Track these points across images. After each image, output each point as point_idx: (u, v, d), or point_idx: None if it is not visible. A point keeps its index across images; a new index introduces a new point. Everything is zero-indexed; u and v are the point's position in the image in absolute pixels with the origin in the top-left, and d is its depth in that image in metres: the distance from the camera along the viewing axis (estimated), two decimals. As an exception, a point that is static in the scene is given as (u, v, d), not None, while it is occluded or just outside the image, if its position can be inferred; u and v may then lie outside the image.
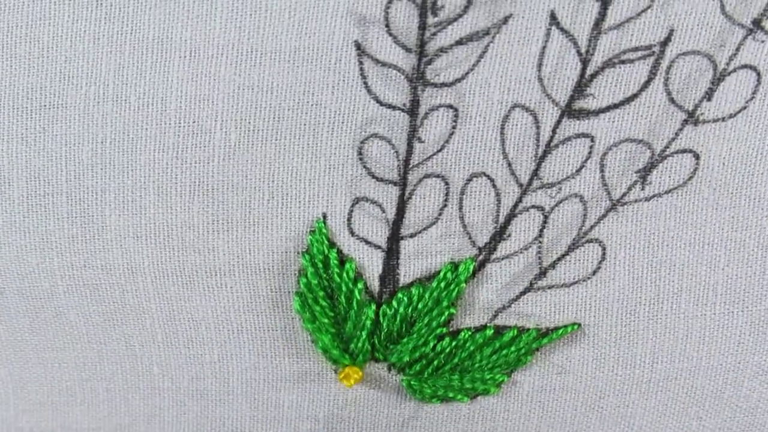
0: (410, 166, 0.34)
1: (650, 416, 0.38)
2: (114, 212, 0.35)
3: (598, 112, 0.33)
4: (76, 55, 0.33)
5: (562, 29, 0.32)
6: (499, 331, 0.37)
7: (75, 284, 0.36)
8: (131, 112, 0.33)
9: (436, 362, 0.37)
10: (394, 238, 0.35)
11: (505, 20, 0.32)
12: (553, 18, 0.32)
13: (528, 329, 0.36)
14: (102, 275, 0.36)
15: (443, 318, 0.36)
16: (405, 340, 0.36)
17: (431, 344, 0.37)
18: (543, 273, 0.36)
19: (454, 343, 0.37)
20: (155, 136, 0.34)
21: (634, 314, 0.36)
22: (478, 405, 0.39)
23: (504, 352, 0.37)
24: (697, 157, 0.34)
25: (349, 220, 0.35)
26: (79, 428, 0.40)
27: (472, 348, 0.37)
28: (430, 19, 0.32)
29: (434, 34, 0.32)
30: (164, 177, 0.34)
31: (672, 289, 0.36)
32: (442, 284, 0.36)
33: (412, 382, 0.37)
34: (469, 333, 0.37)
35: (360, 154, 0.34)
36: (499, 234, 0.35)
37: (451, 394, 0.38)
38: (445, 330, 0.37)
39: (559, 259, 0.35)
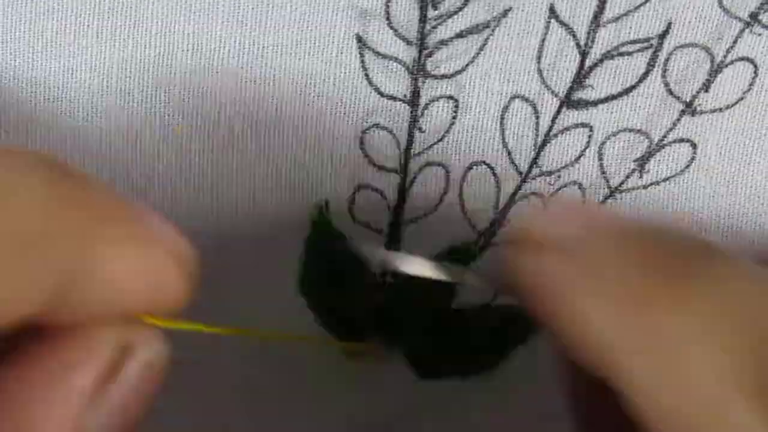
0: (411, 155, 0.35)
1: None
2: (120, 202, 0.35)
3: (596, 103, 0.34)
4: (80, 49, 0.33)
5: (561, 22, 0.32)
6: (500, 311, 0.37)
7: None
8: (135, 105, 0.34)
9: (439, 339, 0.38)
10: (396, 223, 0.36)
11: (505, 13, 0.32)
12: (552, 11, 0.32)
13: (529, 308, 0.37)
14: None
15: (445, 299, 0.37)
16: (408, 319, 0.37)
17: (432, 323, 0.37)
18: (542, 257, 0.36)
19: (455, 322, 0.37)
20: (159, 128, 0.34)
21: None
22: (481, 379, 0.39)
23: (504, 331, 0.37)
24: (694, 146, 0.34)
25: (350, 206, 0.36)
26: None
27: (472, 327, 0.37)
28: (431, 12, 0.32)
29: (435, 26, 0.32)
30: (169, 168, 0.35)
31: (669, 274, 0.36)
32: (444, 267, 0.36)
33: (415, 359, 0.38)
34: (472, 311, 0.37)
35: (361, 143, 0.34)
36: (499, 220, 0.36)
37: (451, 371, 0.39)
38: (448, 308, 0.37)
39: (558, 243, 0.36)
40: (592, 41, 0.32)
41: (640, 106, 0.34)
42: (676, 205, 0.35)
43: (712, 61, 0.33)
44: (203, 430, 0.41)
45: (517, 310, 0.36)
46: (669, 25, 0.32)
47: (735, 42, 0.32)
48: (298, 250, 0.36)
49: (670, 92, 0.33)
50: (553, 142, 0.34)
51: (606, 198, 0.35)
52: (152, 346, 0.24)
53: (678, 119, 0.34)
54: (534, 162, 0.35)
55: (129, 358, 0.23)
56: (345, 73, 0.33)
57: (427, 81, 0.33)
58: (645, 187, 0.35)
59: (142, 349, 0.23)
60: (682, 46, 0.33)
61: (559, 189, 0.35)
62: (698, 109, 0.33)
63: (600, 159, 0.34)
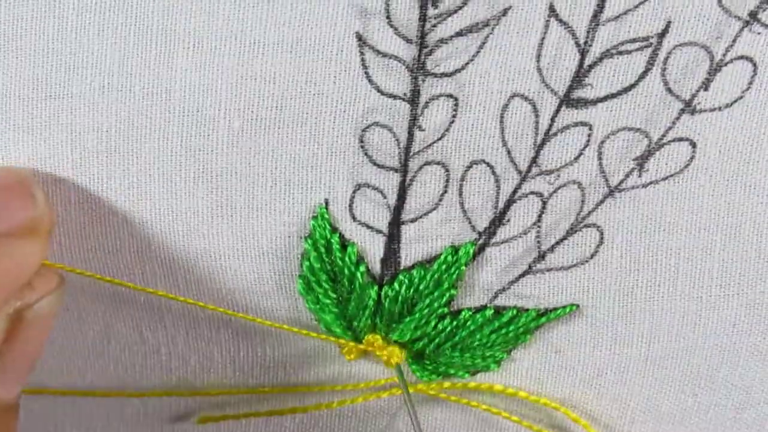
0: (411, 153, 0.35)
1: (647, 393, 0.39)
2: (120, 198, 0.35)
3: (596, 102, 0.34)
4: (81, 46, 0.33)
5: (560, 21, 0.32)
6: (499, 311, 0.37)
7: (84, 267, 0.37)
8: (136, 102, 0.34)
9: (437, 340, 0.38)
10: (395, 222, 0.36)
11: (505, 12, 0.32)
12: (551, 10, 0.32)
13: (527, 309, 0.37)
14: (110, 258, 0.36)
15: (444, 299, 0.37)
16: (407, 319, 0.37)
17: (432, 323, 0.37)
18: (542, 256, 0.36)
19: (454, 323, 0.37)
20: (160, 125, 0.34)
21: (631, 296, 0.37)
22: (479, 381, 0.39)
23: (503, 331, 0.37)
24: (693, 145, 0.34)
25: (350, 205, 0.36)
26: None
27: (472, 327, 0.37)
28: (431, 11, 0.32)
29: (434, 25, 0.33)
30: (169, 164, 0.35)
31: (668, 273, 0.36)
32: (443, 267, 0.36)
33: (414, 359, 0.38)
34: (470, 313, 0.37)
35: (361, 141, 0.34)
36: (499, 219, 0.36)
37: (452, 371, 0.38)
38: (446, 310, 0.37)
39: (557, 243, 0.36)
40: (592, 40, 0.33)
41: (639, 105, 0.34)
42: (675, 203, 0.35)
43: (711, 60, 0.33)
44: None
45: (513, 313, 0.37)
46: (668, 24, 0.32)
47: (734, 41, 0.32)
48: (298, 249, 0.36)
49: (670, 91, 0.33)
50: (552, 140, 0.34)
51: (605, 197, 0.35)
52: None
53: (677, 118, 0.34)
54: (533, 161, 0.35)
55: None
56: (345, 71, 0.33)
57: (427, 79, 0.33)
58: (644, 186, 0.35)
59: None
60: (681, 45, 0.33)
61: (559, 188, 0.35)
62: (698, 107, 0.34)
63: (599, 158, 0.34)
